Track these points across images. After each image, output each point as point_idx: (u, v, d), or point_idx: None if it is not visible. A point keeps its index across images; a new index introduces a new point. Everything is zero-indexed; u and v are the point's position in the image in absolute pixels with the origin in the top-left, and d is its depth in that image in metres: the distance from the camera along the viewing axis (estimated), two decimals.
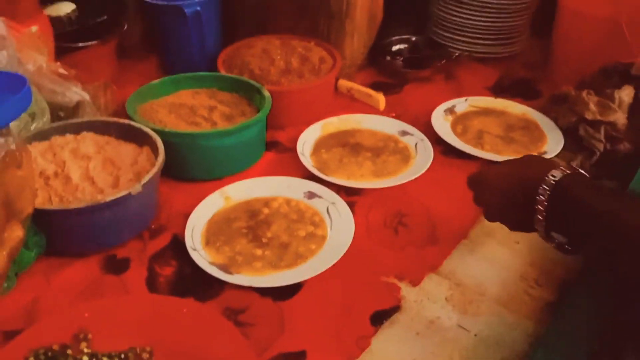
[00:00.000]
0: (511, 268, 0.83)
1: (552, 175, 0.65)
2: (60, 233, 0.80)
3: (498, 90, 1.25)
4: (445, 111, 1.15)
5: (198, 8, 1.14)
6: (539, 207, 0.65)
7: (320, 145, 1.04)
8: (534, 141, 1.08)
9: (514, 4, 1.29)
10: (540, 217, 0.66)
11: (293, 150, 1.02)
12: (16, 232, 0.69)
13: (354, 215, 0.89)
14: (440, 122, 1.12)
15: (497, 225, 0.91)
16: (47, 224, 0.78)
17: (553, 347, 0.71)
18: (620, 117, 1.03)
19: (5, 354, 0.65)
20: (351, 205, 0.91)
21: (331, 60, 1.15)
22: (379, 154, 1.02)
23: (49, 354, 0.65)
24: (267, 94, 1.02)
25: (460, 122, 1.13)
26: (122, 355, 0.67)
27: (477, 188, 0.77)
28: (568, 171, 0.65)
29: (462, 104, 1.18)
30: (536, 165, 0.69)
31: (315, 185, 0.93)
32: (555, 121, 1.11)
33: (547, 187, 0.65)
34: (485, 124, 1.12)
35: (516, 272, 0.82)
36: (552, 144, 1.07)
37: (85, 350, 0.66)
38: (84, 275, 0.79)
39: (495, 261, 0.84)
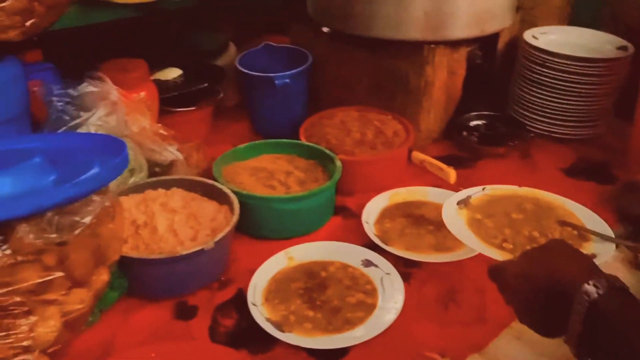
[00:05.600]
0: (555, 357, 0.84)
1: (586, 295, 0.59)
2: (141, 278, 0.90)
3: (573, 172, 1.25)
4: (458, 203, 1.00)
5: (287, 80, 1.25)
6: (572, 328, 0.60)
7: (385, 215, 1.10)
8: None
9: (596, 89, 1.28)
10: (572, 339, 0.61)
11: (359, 216, 1.08)
12: (103, 276, 0.80)
13: (408, 286, 0.93)
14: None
15: None
16: (131, 269, 0.89)
17: None
18: None
19: None
20: (407, 276, 0.96)
21: (405, 134, 1.22)
22: (440, 227, 1.06)
23: None
24: (339, 163, 1.10)
25: None
26: None
27: (499, 283, 0.73)
28: (602, 285, 0.59)
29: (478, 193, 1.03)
30: (565, 268, 0.64)
31: (374, 254, 0.98)
32: (625, 209, 1.09)
33: (580, 308, 0.59)
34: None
35: None
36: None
37: None
38: (157, 318, 0.89)
39: (541, 348, 0.85)
